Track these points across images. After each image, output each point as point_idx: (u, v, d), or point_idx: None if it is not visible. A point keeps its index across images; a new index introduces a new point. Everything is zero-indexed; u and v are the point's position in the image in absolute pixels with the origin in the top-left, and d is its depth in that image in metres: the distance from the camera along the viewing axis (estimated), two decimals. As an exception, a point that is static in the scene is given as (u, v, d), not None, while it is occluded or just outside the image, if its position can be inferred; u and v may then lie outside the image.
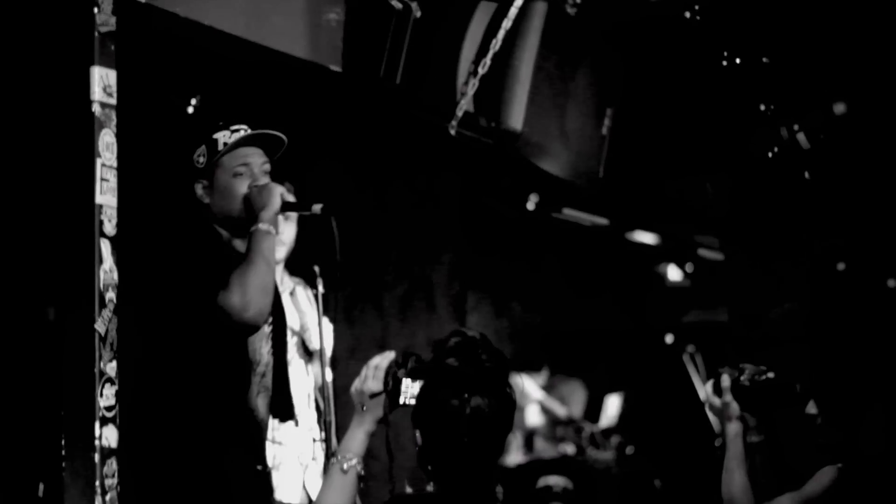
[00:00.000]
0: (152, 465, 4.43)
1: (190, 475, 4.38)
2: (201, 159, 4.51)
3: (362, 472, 3.70)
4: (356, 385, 3.73)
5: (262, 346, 4.59)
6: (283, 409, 4.70)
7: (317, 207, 4.52)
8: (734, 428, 4.62)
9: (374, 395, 3.68)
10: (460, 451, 3.48)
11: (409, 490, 3.67)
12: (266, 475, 4.65)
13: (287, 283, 5.45)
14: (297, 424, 5.04)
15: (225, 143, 4.50)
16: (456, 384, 3.48)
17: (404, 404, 3.65)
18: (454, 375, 3.50)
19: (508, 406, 3.53)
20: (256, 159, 4.54)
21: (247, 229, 4.46)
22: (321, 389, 5.21)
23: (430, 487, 3.55)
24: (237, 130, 4.53)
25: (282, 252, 5.20)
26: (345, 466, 3.67)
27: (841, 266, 6.45)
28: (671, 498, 9.36)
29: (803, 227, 7.32)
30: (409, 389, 3.65)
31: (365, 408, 3.70)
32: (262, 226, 4.41)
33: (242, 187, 4.50)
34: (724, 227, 8.60)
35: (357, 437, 3.71)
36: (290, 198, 4.52)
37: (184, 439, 4.39)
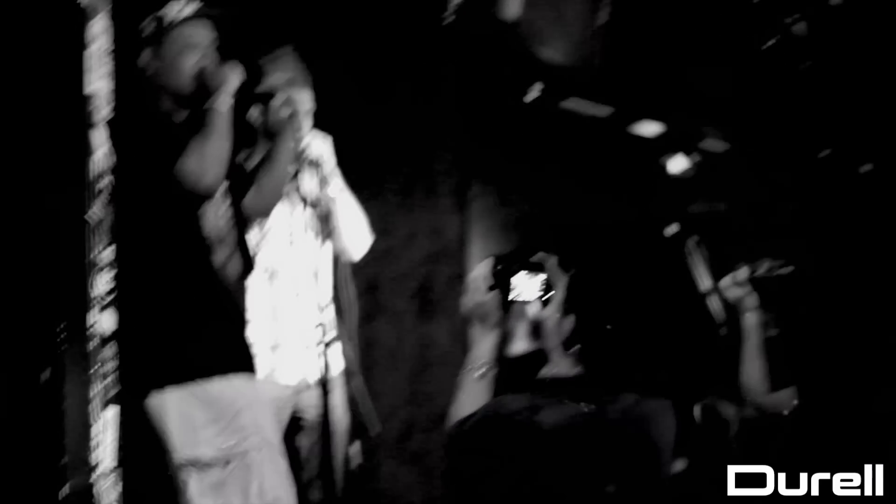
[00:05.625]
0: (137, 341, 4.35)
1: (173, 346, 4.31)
2: (150, 28, 4.52)
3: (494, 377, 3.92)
4: (466, 301, 3.91)
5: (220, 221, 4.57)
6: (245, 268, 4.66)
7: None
8: (753, 319, 4.69)
9: (491, 288, 3.85)
10: (609, 335, 3.80)
11: (552, 372, 3.86)
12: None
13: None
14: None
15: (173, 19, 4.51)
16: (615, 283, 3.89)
17: (514, 301, 3.86)
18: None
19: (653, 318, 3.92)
20: (206, 36, 4.57)
21: (191, 102, 4.49)
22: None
23: (575, 370, 3.80)
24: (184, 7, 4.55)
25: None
26: (478, 374, 3.85)
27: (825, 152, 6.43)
28: (673, 386, 9.41)
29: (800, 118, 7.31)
30: (520, 286, 3.86)
31: (485, 318, 3.88)
32: (219, 106, 4.42)
33: (191, 61, 4.51)
34: (728, 118, 8.57)
35: (485, 345, 3.88)
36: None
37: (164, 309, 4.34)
